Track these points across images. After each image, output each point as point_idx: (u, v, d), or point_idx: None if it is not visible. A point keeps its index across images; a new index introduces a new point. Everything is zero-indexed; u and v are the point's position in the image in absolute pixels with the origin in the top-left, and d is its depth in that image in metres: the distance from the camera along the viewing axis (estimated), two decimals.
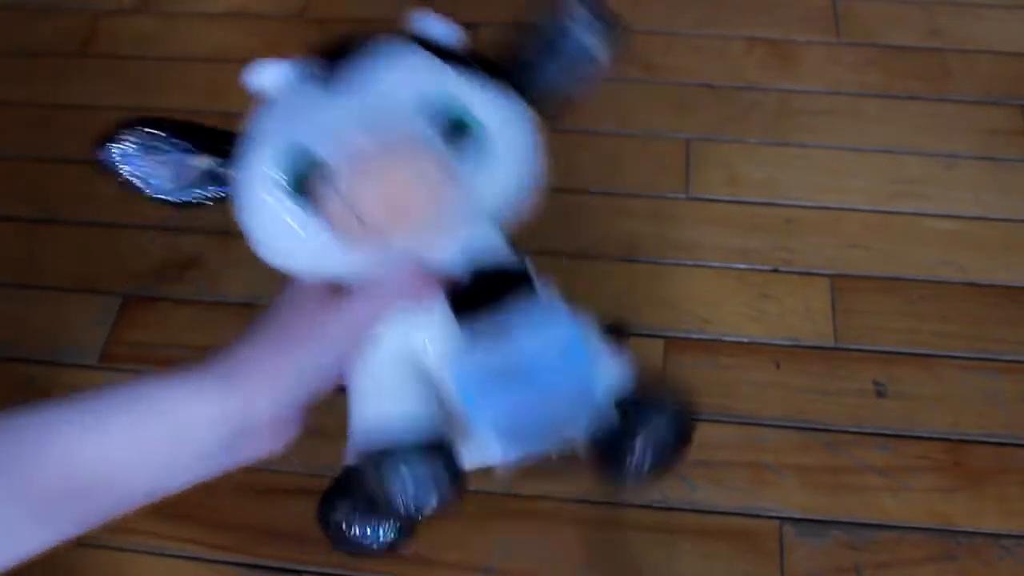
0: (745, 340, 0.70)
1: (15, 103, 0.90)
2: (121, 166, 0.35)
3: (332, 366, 0.33)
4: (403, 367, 0.36)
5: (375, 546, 0.44)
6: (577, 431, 0.38)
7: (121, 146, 0.35)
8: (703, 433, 0.65)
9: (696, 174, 0.81)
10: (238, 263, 0.76)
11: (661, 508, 0.61)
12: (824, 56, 0.90)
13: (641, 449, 0.39)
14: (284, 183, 0.32)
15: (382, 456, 0.35)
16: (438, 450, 0.36)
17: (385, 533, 0.43)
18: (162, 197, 0.35)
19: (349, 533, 0.44)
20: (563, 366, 0.34)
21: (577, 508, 0.61)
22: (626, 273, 0.74)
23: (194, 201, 0.36)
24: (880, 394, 0.66)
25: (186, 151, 0.36)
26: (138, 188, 0.35)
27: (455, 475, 0.36)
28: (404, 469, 0.34)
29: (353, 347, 0.33)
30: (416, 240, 0.31)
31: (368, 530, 0.44)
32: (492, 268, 0.35)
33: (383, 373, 0.36)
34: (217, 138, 0.36)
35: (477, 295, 0.35)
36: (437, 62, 0.33)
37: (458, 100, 0.32)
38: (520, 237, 0.85)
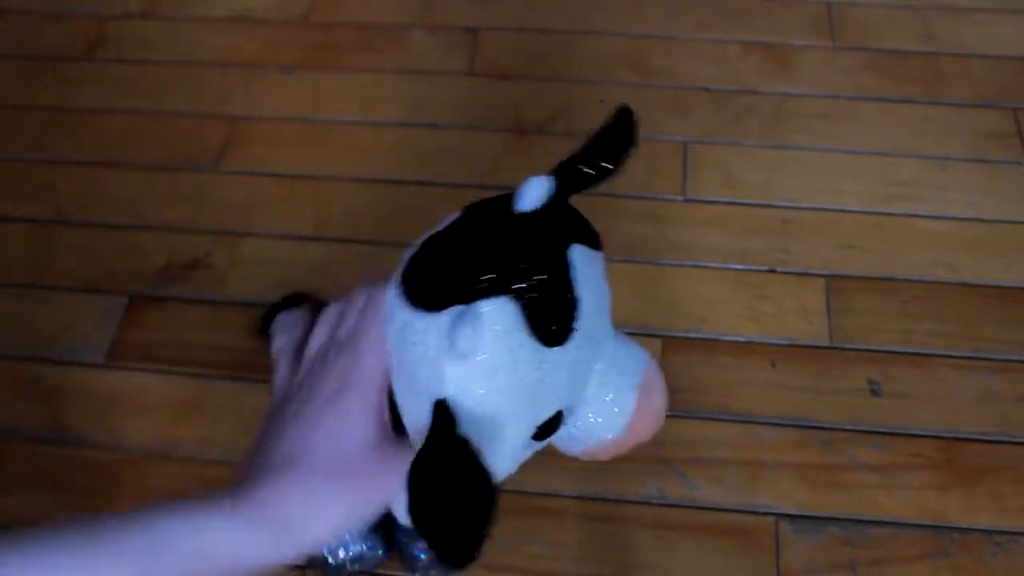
0: (742, 340, 0.70)
1: (24, 106, 0.91)
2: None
3: (374, 513, 0.31)
4: None
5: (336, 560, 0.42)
6: None
7: None
8: (701, 431, 0.66)
9: (693, 176, 0.82)
10: (244, 263, 0.77)
11: (660, 505, 0.62)
12: (820, 60, 0.91)
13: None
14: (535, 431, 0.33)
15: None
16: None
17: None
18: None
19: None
20: None
21: (578, 504, 0.62)
22: (624, 274, 0.75)
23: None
24: (875, 393, 0.67)
25: None
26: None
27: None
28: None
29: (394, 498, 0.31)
30: None
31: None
32: None
33: None
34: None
35: None
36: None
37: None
38: None
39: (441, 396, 0.30)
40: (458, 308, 0.30)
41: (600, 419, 0.35)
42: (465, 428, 0.29)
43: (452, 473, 0.28)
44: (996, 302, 0.72)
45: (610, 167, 0.36)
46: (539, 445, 0.36)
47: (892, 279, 0.74)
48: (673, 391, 0.67)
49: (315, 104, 0.88)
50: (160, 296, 0.75)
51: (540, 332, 0.31)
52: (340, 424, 0.30)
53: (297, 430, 0.30)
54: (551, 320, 0.31)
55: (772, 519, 0.61)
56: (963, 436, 0.65)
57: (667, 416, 0.70)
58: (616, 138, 0.37)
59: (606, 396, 0.34)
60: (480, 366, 0.30)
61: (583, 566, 0.60)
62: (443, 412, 0.29)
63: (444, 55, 0.91)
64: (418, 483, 0.28)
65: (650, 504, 0.62)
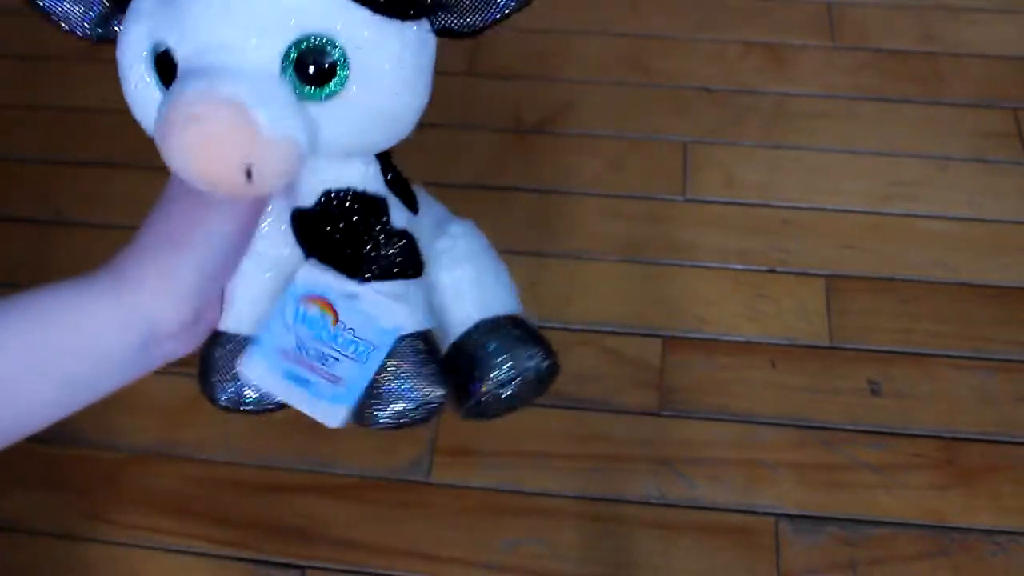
0: (742, 340, 0.70)
1: (25, 106, 0.91)
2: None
3: (227, 261, 0.32)
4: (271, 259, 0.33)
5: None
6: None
7: None
8: (701, 431, 0.66)
9: (693, 176, 0.82)
10: None
11: (660, 504, 0.62)
12: (819, 60, 0.91)
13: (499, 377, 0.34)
14: (148, 62, 0.29)
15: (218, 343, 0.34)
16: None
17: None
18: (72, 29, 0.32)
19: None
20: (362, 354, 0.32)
21: (577, 504, 0.62)
22: (625, 274, 0.75)
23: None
24: (875, 393, 0.67)
25: None
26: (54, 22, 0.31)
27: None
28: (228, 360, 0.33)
29: (244, 240, 0.32)
30: (236, 192, 0.28)
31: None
32: (347, 197, 0.32)
33: (258, 260, 0.33)
34: None
35: (324, 223, 0.32)
36: None
37: (332, 30, 0.28)
38: (515, 234, 0.86)
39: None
40: None
41: None
42: None
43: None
44: (996, 302, 0.72)
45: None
46: None
47: (892, 279, 0.74)
48: (673, 391, 0.68)
49: None
50: None
51: None
52: (169, 186, 0.32)
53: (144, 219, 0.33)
54: None
55: (772, 519, 0.61)
56: (963, 436, 0.65)
57: (667, 416, 0.71)
58: None
59: None
60: None
61: (583, 566, 0.60)
62: None
63: (444, 54, 0.91)
64: None
65: (650, 504, 0.62)
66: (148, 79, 0.30)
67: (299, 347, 0.32)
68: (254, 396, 0.34)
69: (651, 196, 0.80)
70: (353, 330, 0.32)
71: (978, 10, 0.94)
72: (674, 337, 0.71)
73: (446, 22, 0.31)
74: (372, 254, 0.33)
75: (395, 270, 0.33)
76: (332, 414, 0.32)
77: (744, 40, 0.92)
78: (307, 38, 0.28)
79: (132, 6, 0.30)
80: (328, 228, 0.32)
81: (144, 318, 0.30)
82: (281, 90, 0.27)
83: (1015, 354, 0.69)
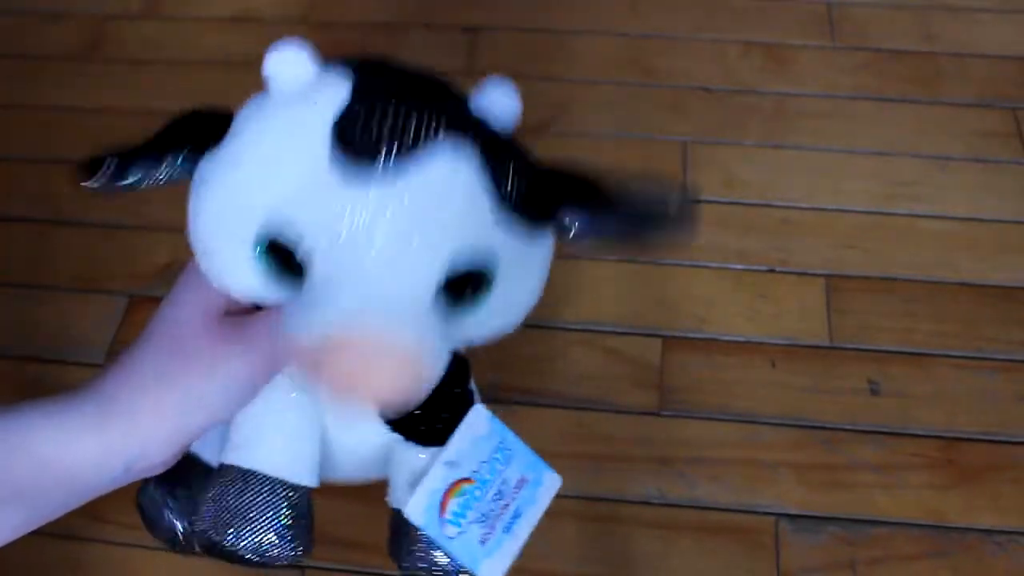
0: (742, 339, 0.70)
1: (23, 106, 0.91)
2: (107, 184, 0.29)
3: (234, 407, 0.28)
4: (302, 397, 0.31)
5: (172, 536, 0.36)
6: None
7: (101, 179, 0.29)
8: (701, 431, 0.66)
9: (693, 176, 0.82)
10: None
11: (660, 504, 0.62)
12: (819, 60, 0.91)
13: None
14: (256, 238, 0.27)
15: (245, 482, 0.29)
16: (299, 498, 0.30)
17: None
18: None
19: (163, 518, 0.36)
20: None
21: (577, 504, 0.62)
22: (625, 274, 0.75)
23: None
24: (875, 392, 0.67)
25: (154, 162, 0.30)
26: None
27: (307, 528, 0.31)
28: (261, 508, 0.29)
29: (259, 385, 0.29)
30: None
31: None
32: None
33: (279, 391, 0.30)
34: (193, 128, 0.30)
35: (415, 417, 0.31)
36: (483, 189, 0.27)
37: (483, 254, 0.27)
38: None
39: None
40: None
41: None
42: None
43: None
44: (996, 302, 0.72)
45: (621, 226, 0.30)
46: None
47: (892, 279, 0.74)
48: (673, 391, 0.68)
49: None
50: (160, 296, 0.75)
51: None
52: (174, 307, 0.29)
53: (145, 326, 0.29)
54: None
55: (772, 518, 0.61)
56: (963, 436, 0.65)
57: (667, 416, 0.71)
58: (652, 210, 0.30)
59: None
60: None
61: (583, 566, 0.60)
62: None
63: (444, 55, 0.91)
64: None
65: (650, 504, 0.62)
66: (249, 256, 0.28)
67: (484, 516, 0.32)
68: (285, 552, 0.31)
69: None
70: (483, 462, 0.32)
71: (978, 10, 0.94)
72: (674, 337, 0.71)
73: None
74: (455, 415, 0.32)
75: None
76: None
77: (744, 40, 0.92)
78: (463, 264, 0.27)
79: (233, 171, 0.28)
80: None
81: (129, 452, 0.27)
82: (435, 315, 0.27)
83: (1016, 354, 0.69)
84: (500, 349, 0.33)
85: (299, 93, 0.28)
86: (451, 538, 0.31)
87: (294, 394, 0.30)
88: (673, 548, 0.60)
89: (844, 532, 0.60)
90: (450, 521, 0.31)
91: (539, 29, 0.95)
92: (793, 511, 0.61)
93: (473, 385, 0.34)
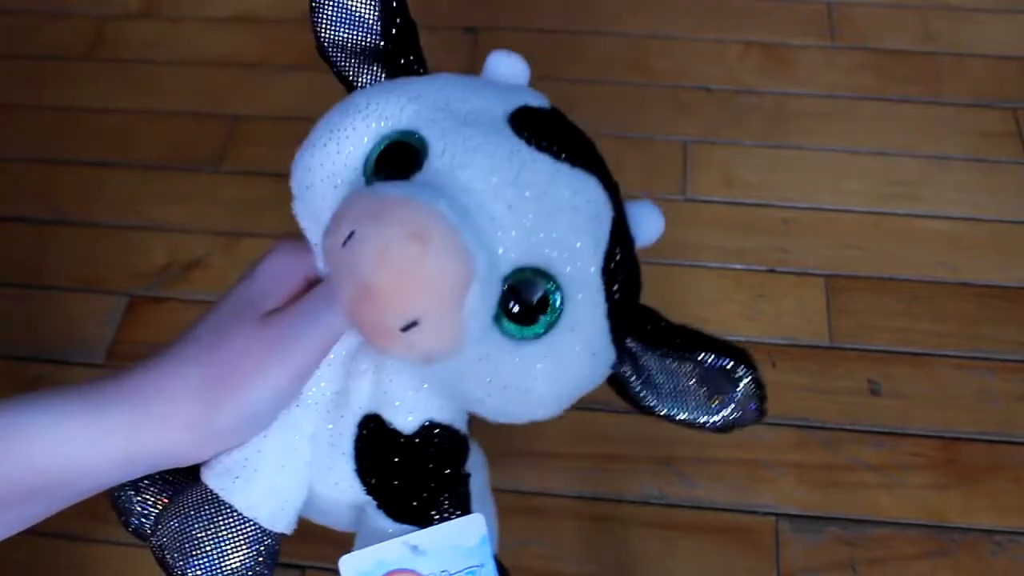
0: (742, 339, 0.71)
1: (23, 106, 0.91)
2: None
3: (268, 415, 0.27)
4: (303, 444, 0.28)
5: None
6: None
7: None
8: (701, 431, 0.66)
9: (694, 176, 0.82)
10: (243, 263, 0.77)
11: (660, 504, 0.62)
12: (819, 60, 0.91)
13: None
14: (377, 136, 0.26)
15: (219, 514, 0.27)
16: (272, 544, 0.29)
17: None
18: None
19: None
20: None
21: (577, 504, 0.62)
22: None
23: None
24: (875, 392, 0.67)
25: None
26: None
27: (271, 568, 0.30)
28: (229, 546, 0.27)
29: (287, 402, 0.27)
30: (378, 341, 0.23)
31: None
32: (446, 433, 0.27)
33: (285, 430, 0.28)
34: None
35: (412, 453, 0.27)
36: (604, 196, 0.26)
37: (566, 281, 0.25)
38: None
39: None
40: None
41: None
42: None
43: None
44: (996, 302, 0.72)
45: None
46: None
47: (892, 279, 0.74)
48: None
49: (315, 104, 0.88)
50: (160, 296, 0.75)
51: None
52: (220, 310, 0.28)
53: (189, 327, 0.28)
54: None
55: (772, 519, 0.61)
56: (963, 436, 0.65)
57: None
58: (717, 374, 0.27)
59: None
60: None
61: (583, 566, 0.60)
62: None
63: (444, 55, 0.91)
64: None
65: (650, 504, 0.62)
66: (357, 144, 0.26)
67: None
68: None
69: (651, 196, 0.80)
70: (447, 572, 0.28)
71: (978, 10, 0.94)
72: None
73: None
74: (440, 497, 0.28)
75: (456, 512, 0.29)
76: None
77: (744, 40, 0.93)
78: (546, 264, 0.25)
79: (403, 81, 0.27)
80: (412, 460, 0.27)
81: (157, 458, 0.26)
82: (492, 291, 0.24)
83: (1016, 354, 0.69)
84: None
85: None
86: None
87: (297, 437, 0.28)
88: (673, 548, 0.60)
89: (844, 532, 0.60)
90: None
91: (539, 29, 0.95)
92: (793, 511, 0.62)
93: (486, 487, 0.31)
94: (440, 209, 0.22)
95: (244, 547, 0.28)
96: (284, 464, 0.28)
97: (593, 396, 0.27)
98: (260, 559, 0.29)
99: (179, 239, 0.79)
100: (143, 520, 0.30)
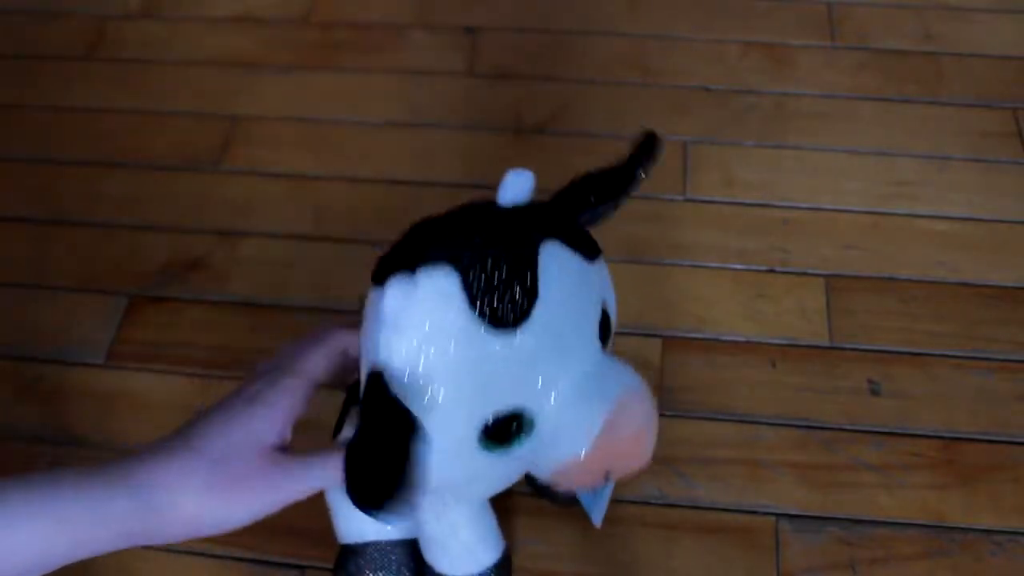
0: (741, 339, 0.71)
1: (22, 106, 0.91)
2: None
3: (245, 523, 0.31)
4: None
5: None
6: None
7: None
8: (701, 431, 0.66)
9: (693, 176, 0.82)
10: (244, 263, 0.77)
11: (660, 504, 0.62)
12: (819, 60, 0.91)
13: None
14: (481, 430, 0.32)
15: (356, 555, 0.35)
16: (409, 552, 0.35)
17: None
18: None
19: None
20: None
21: (577, 504, 0.62)
22: (625, 274, 0.75)
23: None
24: (875, 392, 0.67)
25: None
26: None
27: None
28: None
29: (290, 501, 0.32)
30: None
31: None
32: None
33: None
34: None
35: None
36: (592, 264, 0.36)
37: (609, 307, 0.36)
38: None
39: (376, 364, 0.30)
40: (400, 275, 0.30)
41: (563, 433, 0.32)
42: (399, 394, 0.29)
43: (378, 427, 0.29)
44: (996, 302, 0.72)
45: (613, 195, 0.39)
46: (502, 462, 0.33)
47: (892, 279, 0.74)
48: (673, 391, 0.68)
49: (315, 104, 0.88)
50: (160, 296, 0.75)
51: (480, 309, 0.29)
52: (242, 424, 0.31)
53: (205, 418, 0.31)
54: (494, 298, 0.29)
55: (772, 519, 0.61)
56: (963, 436, 0.65)
57: (668, 416, 0.71)
58: (627, 168, 0.40)
59: (572, 410, 0.32)
60: (410, 335, 0.29)
61: (583, 566, 0.60)
62: (375, 377, 0.29)
63: (444, 55, 0.92)
64: (353, 443, 0.29)
65: (650, 504, 0.62)
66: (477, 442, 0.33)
67: None
68: None
69: (651, 196, 0.80)
70: None
71: (978, 10, 0.94)
72: (674, 337, 0.71)
73: None
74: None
75: None
76: None
77: (744, 40, 0.93)
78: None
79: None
80: None
81: (150, 539, 0.31)
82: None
83: (1016, 354, 0.69)
84: None
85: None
86: None
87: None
88: (673, 548, 0.60)
89: (844, 532, 0.60)
90: None
91: (539, 29, 0.95)
92: (793, 511, 0.62)
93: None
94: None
95: None
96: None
97: None
98: None
99: (179, 239, 0.79)
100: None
